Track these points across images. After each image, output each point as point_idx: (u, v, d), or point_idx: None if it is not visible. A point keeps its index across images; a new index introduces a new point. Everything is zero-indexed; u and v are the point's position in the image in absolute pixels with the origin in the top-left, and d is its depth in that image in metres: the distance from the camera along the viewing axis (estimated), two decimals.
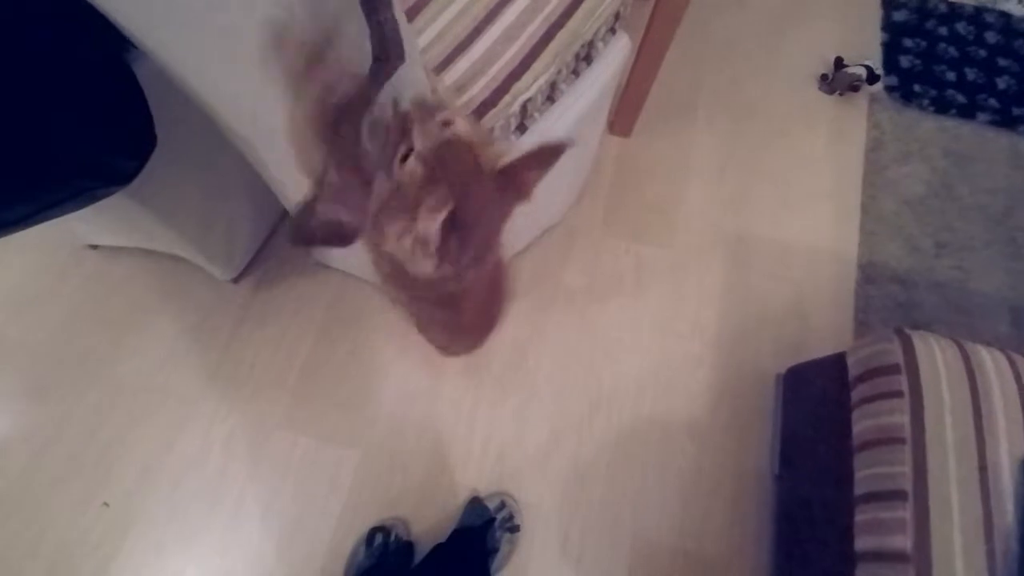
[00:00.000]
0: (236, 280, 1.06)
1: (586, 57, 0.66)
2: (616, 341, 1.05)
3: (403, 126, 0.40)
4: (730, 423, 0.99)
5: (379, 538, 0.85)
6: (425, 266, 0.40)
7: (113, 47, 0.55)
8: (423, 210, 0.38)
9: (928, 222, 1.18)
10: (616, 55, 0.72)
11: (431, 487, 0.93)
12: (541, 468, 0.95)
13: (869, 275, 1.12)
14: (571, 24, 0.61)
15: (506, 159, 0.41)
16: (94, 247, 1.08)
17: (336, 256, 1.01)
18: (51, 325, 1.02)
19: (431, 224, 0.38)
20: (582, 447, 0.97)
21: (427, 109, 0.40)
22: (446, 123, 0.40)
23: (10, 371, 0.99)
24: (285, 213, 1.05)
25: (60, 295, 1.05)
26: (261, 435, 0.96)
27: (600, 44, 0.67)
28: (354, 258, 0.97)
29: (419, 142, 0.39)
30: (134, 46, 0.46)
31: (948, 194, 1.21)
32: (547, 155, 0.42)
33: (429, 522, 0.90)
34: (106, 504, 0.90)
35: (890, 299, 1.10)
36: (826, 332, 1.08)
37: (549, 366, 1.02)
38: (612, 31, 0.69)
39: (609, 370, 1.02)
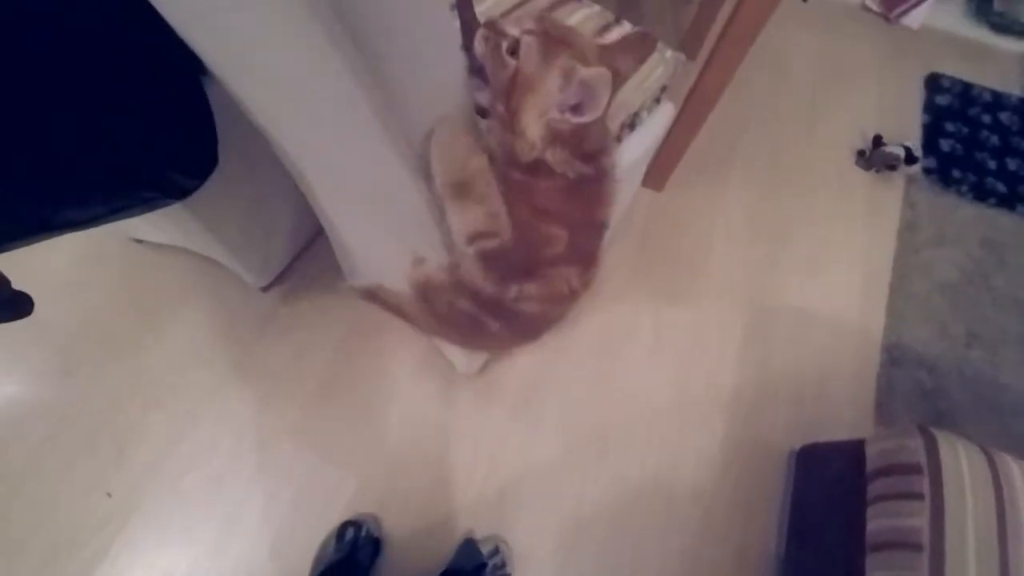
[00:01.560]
0: (266, 289, 1.10)
1: (631, 124, 0.68)
2: (629, 394, 1.04)
3: (494, 30, 0.45)
4: (737, 495, 0.96)
5: (350, 532, 0.87)
6: (592, 113, 0.43)
7: (195, 70, 0.59)
8: (561, 69, 0.43)
9: (961, 310, 1.15)
10: (659, 123, 0.74)
11: (428, 518, 0.92)
12: (540, 515, 0.93)
13: (895, 357, 1.10)
14: (619, 96, 0.63)
15: (602, 41, 0.47)
16: (139, 241, 1.13)
17: (363, 272, 1.04)
18: (88, 308, 1.07)
19: (583, 71, 0.43)
20: (583, 499, 0.95)
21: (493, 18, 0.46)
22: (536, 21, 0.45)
23: (42, 348, 1.03)
24: (320, 229, 1.09)
25: (100, 281, 1.09)
26: (268, 441, 0.97)
27: (645, 113, 0.70)
28: (379, 274, 1.00)
29: (514, 28, 0.44)
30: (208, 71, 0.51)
31: (983, 283, 1.19)
32: (638, 43, 0.48)
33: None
34: (109, 495, 0.92)
35: (916, 385, 1.07)
36: (845, 412, 1.06)
37: (559, 411, 1.02)
38: (657, 101, 0.71)
39: (619, 423, 1.01)
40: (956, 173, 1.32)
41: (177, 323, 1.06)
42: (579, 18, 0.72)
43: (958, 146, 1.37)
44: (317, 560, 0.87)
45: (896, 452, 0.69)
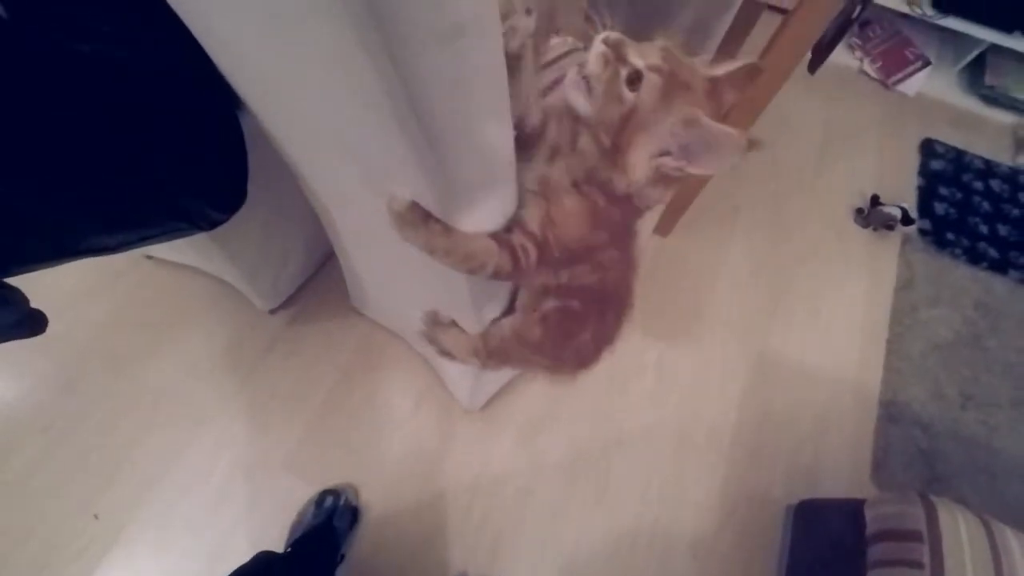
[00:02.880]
0: (273, 311, 1.11)
1: None
2: (630, 437, 1.04)
3: (617, 53, 0.43)
4: (736, 547, 0.95)
5: (329, 500, 0.90)
6: (720, 148, 0.42)
7: (232, 103, 0.61)
8: (681, 115, 0.42)
9: (955, 371, 1.18)
10: None
11: (421, 556, 0.90)
12: (535, 560, 0.92)
13: (892, 414, 1.11)
14: None
15: (713, 72, 0.45)
16: (150, 257, 1.14)
17: (372, 305, 1.05)
18: (94, 323, 1.06)
19: (701, 113, 0.41)
20: (580, 543, 0.94)
21: (620, 40, 0.44)
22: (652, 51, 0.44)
23: (45, 362, 1.02)
24: (332, 254, 1.10)
25: (110, 295, 1.10)
26: (264, 467, 0.95)
27: None
28: (389, 309, 1.01)
29: (638, 60, 0.43)
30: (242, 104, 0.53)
31: (977, 345, 1.22)
32: (745, 76, 0.45)
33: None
34: (96, 516, 0.90)
35: (911, 444, 1.09)
36: (842, 466, 1.06)
37: (561, 452, 1.02)
38: None
39: (620, 465, 1.01)
40: (950, 236, 1.37)
41: (182, 342, 1.06)
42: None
43: (952, 210, 1.42)
44: (294, 526, 0.89)
45: (896, 518, 0.70)
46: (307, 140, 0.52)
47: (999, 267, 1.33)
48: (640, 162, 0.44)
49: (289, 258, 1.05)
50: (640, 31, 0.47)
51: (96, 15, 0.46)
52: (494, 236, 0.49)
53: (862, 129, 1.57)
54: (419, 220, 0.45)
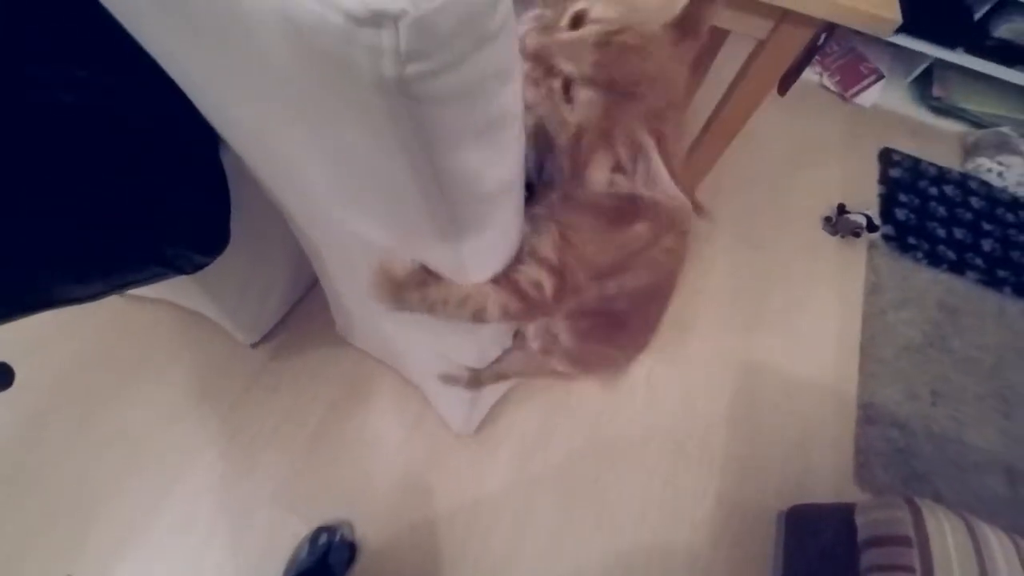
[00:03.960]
0: (255, 344, 1.07)
1: None
2: (624, 455, 1.05)
3: (544, 66, 0.36)
4: (732, 559, 0.97)
5: (324, 538, 0.87)
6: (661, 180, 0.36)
7: (214, 141, 0.59)
8: (626, 125, 0.35)
9: (925, 370, 1.23)
10: None
11: None
12: None
13: (869, 416, 1.16)
14: None
15: (673, 9, 0.37)
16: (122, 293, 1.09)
17: (359, 335, 1.03)
18: (63, 362, 1.01)
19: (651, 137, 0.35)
20: (580, 566, 0.93)
21: (544, 21, 0.36)
22: (577, 19, 0.36)
23: (12, 405, 0.96)
24: (316, 281, 1.08)
25: (77, 334, 1.04)
26: (252, 509, 0.92)
27: None
28: (379, 339, 0.99)
29: (567, 63, 0.35)
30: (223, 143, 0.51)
31: (943, 345, 1.28)
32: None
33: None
34: None
35: (889, 443, 1.13)
36: (827, 470, 1.09)
37: (555, 472, 1.01)
38: None
39: (616, 485, 1.02)
40: (912, 240, 1.45)
41: (158, 382, 1.02)
42: None
43: (912, 215, 1.50)
44: (288, 567, 0.86)
45: (886, 523, 0.72)
46: (314, 208, 0.51)
47: (957, 269, 1.41)
48: (599, 177, 0.39)
49: (272, 289, 1.02)
50: None
51: (79, 62, 0.44)
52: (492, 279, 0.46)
53: (825, 140, 1.64)
54: (418, 281, 0.43)
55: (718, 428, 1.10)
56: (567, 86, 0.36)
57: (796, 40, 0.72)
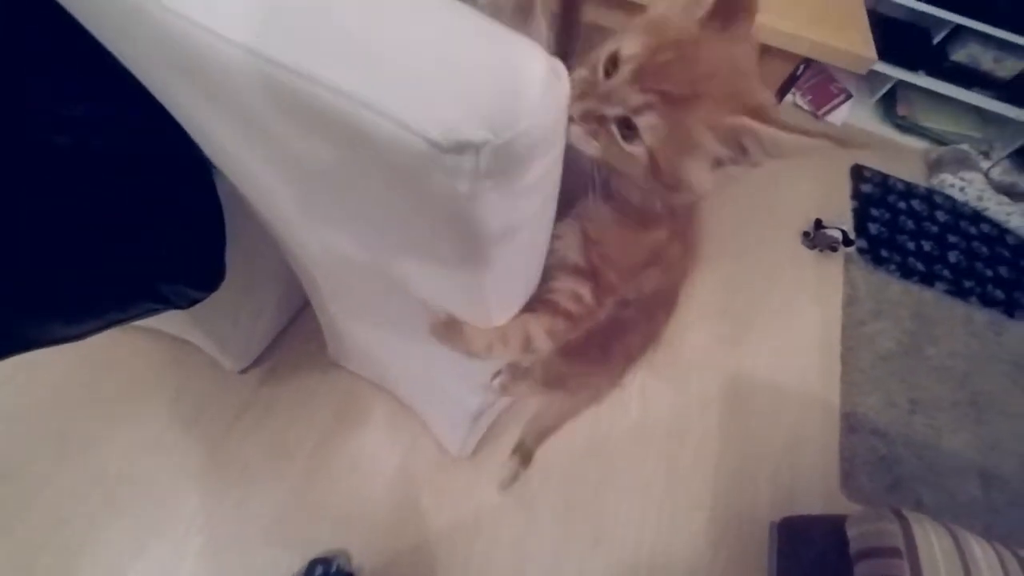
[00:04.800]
0: (243, 371, 1.04)
1: None
2: (620, 472, 1.06)
3: (596, 117, 0.37)
4: (728, 571, 0.98)
5: (319, 569, 0.85)
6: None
7: (208, 175, 0.58)
8: (703, 122, 0.36)
9: (902, 379, 1.28)
10: None
11: None
12: None
13: (852, 425, 1.20)
14: None
15: (701, 5, 0.37)
16: None
17: (355, 359, 1.02)
18: (37, 398, 0.96)
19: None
20: None
21: (582, 86, 0.37)
22: (611, 62, 0.37)
23: None
24: (306, 303, 1.06)
25: (53, 366, 0.99)
26: (243, 545, 0.89)
27: None
28: (376, 363, 0.98)
29: (614, 108, 0.36)
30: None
31: (917, 353, 1.34)
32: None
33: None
34: None
35: (872, 452, 1.17)
36: (815, 478, 1.12)
37: (554, 492, 1.01)
38: None
39: (613, 502, 1.02)
40: (884, 253, 1.51)
41: (140, 414, 0.98)
42: None
43: (883, 229, 1.57)
44: None
45: (876, 536, 0.75)
46: (330, 253, 0.51)
47: (927, 280, 1.48)
48: (701, 179, 0.39)
49: (261, 314, 1.00)
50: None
51: (75, 100, 0.43)
52: (526, 308, 0.46)
53: (801, 158, 1.71)
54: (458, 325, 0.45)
55: (710, 440, 1.13)
56: (624, 124, 0.37)
57: (778, 72, 0.75)
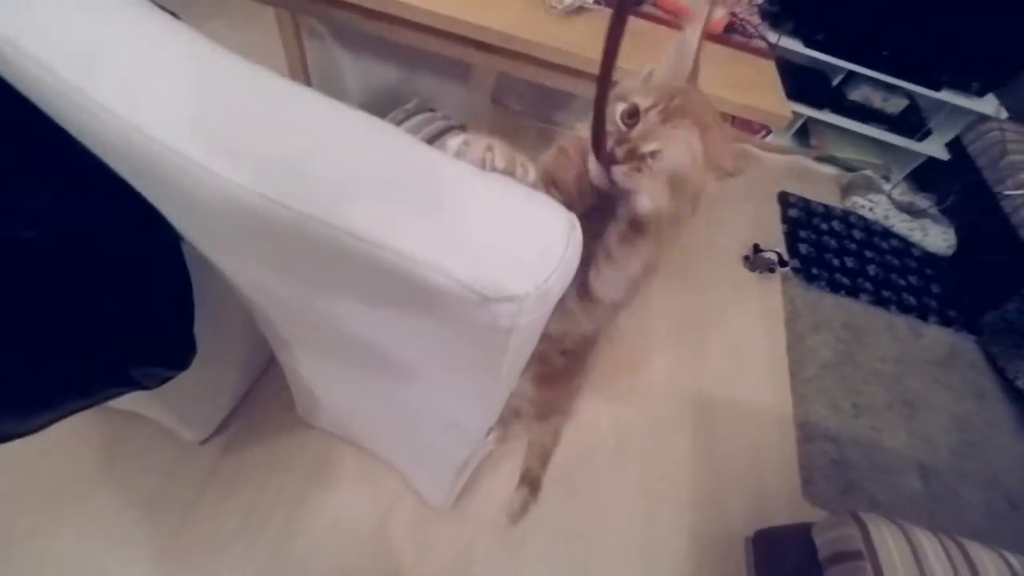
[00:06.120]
0: (205, 441, 0.99)
1: None
2: (601, 507, 1.08)
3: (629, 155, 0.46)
4: None
5: None
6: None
7: (177, 247, 0.57)
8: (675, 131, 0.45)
9: (844, 386, 1.41)
10: None
11: None
12: None
13: (807, 433, 1.29)
14: None
15: (686, 65, 0.49)
16: None
17: (326, 418, 0.99)
18: None
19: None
20: None
21: (617, 136, 0.46)
22: (632, 115, 0.47)
23: None
24: (272, 360, 1.03)
25: None
26: None
27: None
28: (349, 423, 0.96)
29: (649, 144, 0.45)
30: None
31: (853, 361, 1.47)
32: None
33: None
34: None
35: (825, 457, 1.26)
36: (780, 489, 1.19)
37: (539, 536, 1.01)
38: None
39: (598, 538, 1.03)
40: (815, 271, 1.67)
41: (91, 500, 0.90)
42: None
43: (811, 249, 1.74)
44: None
45: (840, 541, 0.81)
46: (323, 331, 0.52)
47: (853, 292, 1.65)
48: (712, 189, 0.51)
49: (224, 380, 0.96)
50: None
51: (44, 192, 0.42)
52: None
53: (733, 187, 1.88)
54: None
55: (682, 464, 1.17)
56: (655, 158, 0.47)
57: None
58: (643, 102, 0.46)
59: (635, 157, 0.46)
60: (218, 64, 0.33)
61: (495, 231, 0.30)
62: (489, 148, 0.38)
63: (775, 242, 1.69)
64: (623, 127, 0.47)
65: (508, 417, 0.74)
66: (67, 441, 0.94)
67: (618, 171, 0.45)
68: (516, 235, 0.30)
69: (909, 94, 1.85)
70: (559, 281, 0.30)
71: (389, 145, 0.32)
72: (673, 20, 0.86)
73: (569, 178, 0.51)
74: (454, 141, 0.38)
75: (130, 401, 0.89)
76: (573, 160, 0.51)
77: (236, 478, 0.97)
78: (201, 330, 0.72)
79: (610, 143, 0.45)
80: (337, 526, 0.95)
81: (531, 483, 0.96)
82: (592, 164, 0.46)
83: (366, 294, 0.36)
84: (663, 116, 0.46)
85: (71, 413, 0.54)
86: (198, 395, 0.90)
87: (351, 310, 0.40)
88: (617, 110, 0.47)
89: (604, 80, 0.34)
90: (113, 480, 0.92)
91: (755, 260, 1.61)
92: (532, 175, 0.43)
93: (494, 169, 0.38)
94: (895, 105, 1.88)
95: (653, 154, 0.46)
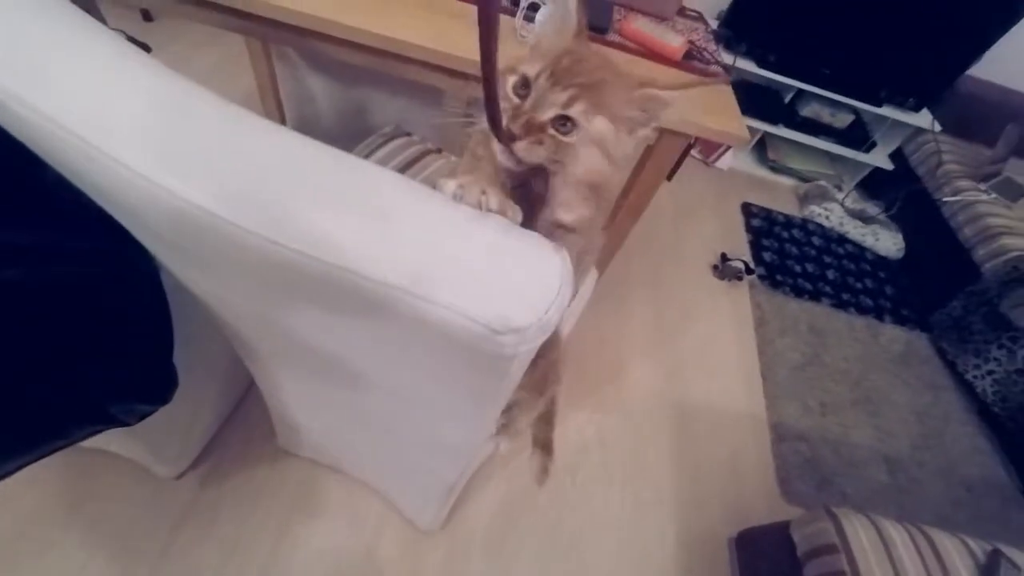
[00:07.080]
0: (180, 475, 0.95)
1: None
2: (592, 517, 1.09)
3: (527, 127, 0.43)
4: None
5: None
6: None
7: (156, 276, 0.56)
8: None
9: (812, 386, 1.47)
10: (589, 287, 0.90)
11: None
12: None
13: (780, 434, 1.34)
14: None
15: (570, 28, 0.46)
16: None
17: (308, 446, 0.97)
18: None
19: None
20: None
21: (510, 113, 0.43)
22: (523, 84, 0.44)
23: None
24: (251, 386, 1.01)
25: None
26: None
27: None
28: (332, 450, 0.94)
29: (547, 111, 0.43)
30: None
31: (819, 362, 1.55)
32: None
33: None
34: None
35: (799, 456, 1.32)
36: (758, 490, 1.24)
37: (531, 550, 1.02)
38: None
39: (590, 549, 1.04)
40: (779, 277, 1.76)
41: (58, 545, 0.85)
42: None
43: (775, 257, 1.83)
44: None
45: (816, 536, 0.85)
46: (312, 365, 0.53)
47: (815, 296, 1.74)
48: (627, 146, 0.48)
49: (200, 412, 0.93)
50: None
51: (25, 230, 0.42)
52: None
53: (700, 200, 1.96)
54: None
55: (665, 470, 1.20)
56: (560, 122, 0.44)
57: (676, 146, 0.90)
58: (531, 70, 0.44)
59: (534, 129, 0.43)
60: (176, 89, 0.35)
61: (499, 269, 0.33)
62: (483, 192, 0.39)
63: (741, 251, 1.77)
64: (516, 100, 0.45)
65: (511, 415, 0.74)
66: (28, 480, 0.89)
67: (519, 147, 0.42)
68: (517, 272, 0.33)
69: (854, 109, 1.99)
70: (556, 312, 0.33)
71: (423, 205, 0.35)
72: (640, 49, 0.91)
73: (492, 171, 0.47)
74: (450, 185, 0.39)
75: (100, 437, 0.86)
76: (486, 154, 0.47)
77: (215, 512, 0.93)
78: (176, 360, 0.71)
79: (505, 120, 0.42)
80: (323, 556, 0.93)
81: (543, 445, 0.92)
82: (496, 147, 0.44)
83: (380, 337, 0.38)
84: (552, 80, 0.43)
85: (47, 455, 0.52)
86: (172, 428, 0.87)
87: (358, 340, 0.41)
88: (508, 85, 0.45)
89: (488, 59, 0.32)
90: (80, 522, 0.88)
91: (723, 269, 1.68)
92: (520, 216, 0.43)
93: (489, 211, 0.39)
94: (842, 120, 2.02)
95: (552, 121, 0.43)
